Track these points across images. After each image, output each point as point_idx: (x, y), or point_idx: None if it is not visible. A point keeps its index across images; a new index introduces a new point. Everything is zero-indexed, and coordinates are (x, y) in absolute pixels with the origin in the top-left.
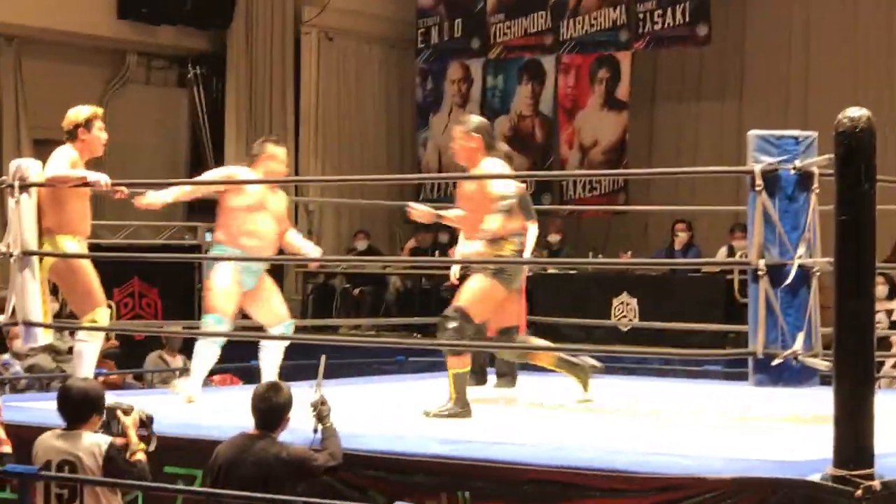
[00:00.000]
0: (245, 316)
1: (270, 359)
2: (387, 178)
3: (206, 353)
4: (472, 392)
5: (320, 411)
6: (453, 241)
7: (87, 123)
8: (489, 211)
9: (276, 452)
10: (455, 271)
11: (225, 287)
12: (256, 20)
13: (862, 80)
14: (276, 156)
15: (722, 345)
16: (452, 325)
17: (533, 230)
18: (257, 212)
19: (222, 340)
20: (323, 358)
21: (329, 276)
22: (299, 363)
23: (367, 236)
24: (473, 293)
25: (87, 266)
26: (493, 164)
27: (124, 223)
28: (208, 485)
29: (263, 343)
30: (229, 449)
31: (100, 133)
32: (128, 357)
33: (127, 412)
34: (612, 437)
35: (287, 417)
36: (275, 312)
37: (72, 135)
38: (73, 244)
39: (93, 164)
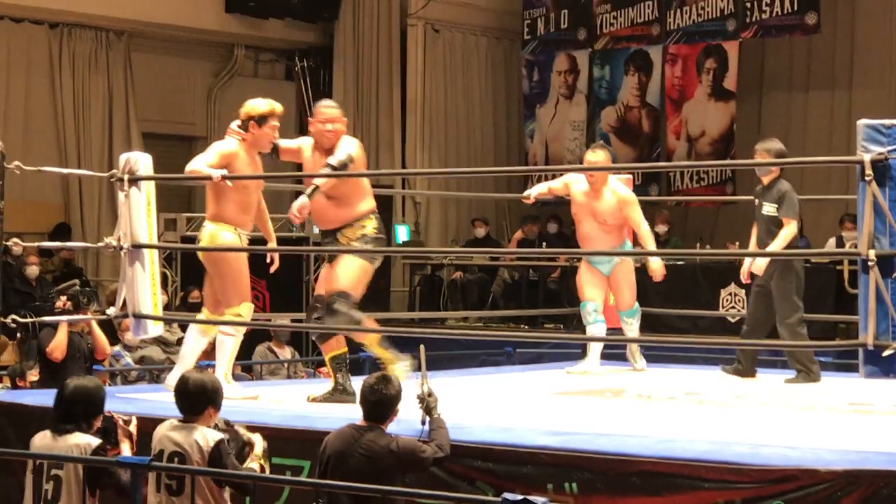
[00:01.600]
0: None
1: None
2: (494, 171)
3: None
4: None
5: (428, 403)
6: (563, 231)
7: (261, 119)
8: None
9: (385, 444)
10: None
11: None
12: (363, 13)
13: None
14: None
15: (832, 336)
16: (342, 308)
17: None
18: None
19: None
20: (422, 349)
21: (436, 268)
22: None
23: (485, 224)
24: (351, 276)
25: (241, 260)
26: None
27: None
28: (317, 476)
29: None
30: (338, 440)
31: (270, 131)
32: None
33: (127, 422)
34: (721, 428)
35: (396, 409)
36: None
37: (243, 125)
38: (230, 234)
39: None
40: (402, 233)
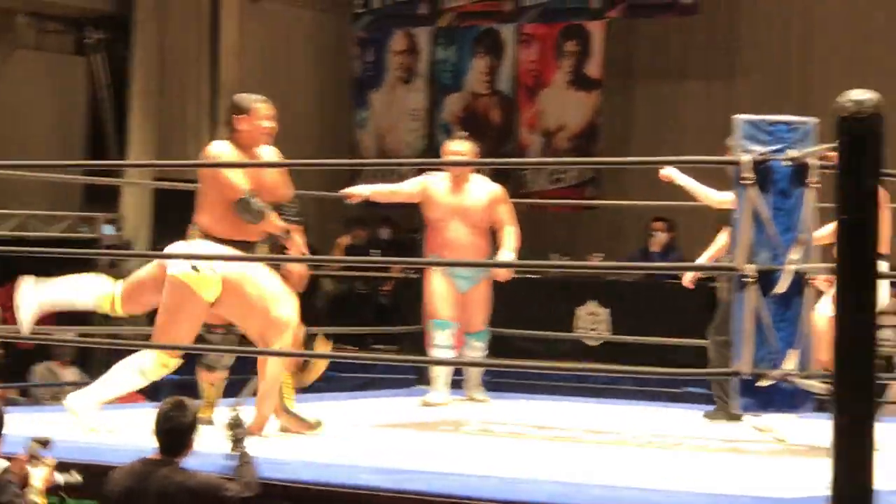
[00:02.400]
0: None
1: None
2: (313, 164)
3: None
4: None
5: (235, 433)
6: (396, 237)
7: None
8: None
9: (181, 481)
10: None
11: None
12: None
13: (871, 60)
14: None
15: (705, 363)
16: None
17: None
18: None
19: None
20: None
21: None
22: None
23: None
24: None
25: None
26: None
27: (9, 212)
28: None
29: None
30: (127, 477)
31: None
32: (10, 369)
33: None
34: (574, 468)
35: (192, 440)
36: None
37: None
38: None
39: None
40: None
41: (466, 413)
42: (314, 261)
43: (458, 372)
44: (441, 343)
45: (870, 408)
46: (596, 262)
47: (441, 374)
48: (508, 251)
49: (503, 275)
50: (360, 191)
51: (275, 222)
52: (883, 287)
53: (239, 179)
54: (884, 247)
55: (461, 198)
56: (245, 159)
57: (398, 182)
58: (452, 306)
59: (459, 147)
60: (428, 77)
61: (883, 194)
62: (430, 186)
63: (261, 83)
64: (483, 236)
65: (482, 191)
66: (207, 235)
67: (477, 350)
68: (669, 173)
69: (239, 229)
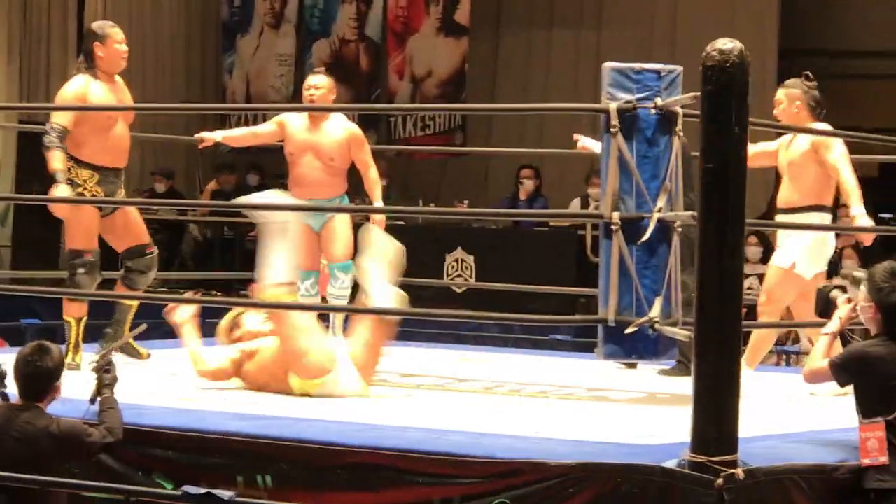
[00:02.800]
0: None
1: None
2: (188, 108)
3: None
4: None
5: (101, 378)
6: (263, 183)
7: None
8: None
9: (43, 426)
10: None
11: None
12: None
13: (738, 8)
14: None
15: (572, 311)
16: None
17: None
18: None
19: None
20: (142, 327)
21: None
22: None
23: (166, 179)
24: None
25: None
26: None
27: None
28: None
29: None
30: None
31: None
32: None
33: None
34: (440, 416)
35: (57, 385)
36: None
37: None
38: None
39: None
40: None
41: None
42: (182, 205)
43: (325, 318)
44: (303, 294)
45: (733, 355)
46: (463, 209)
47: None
48: (378, 201)
49: (379, 223)
50: (212, 135)
51: (52, 163)
52: (829, 239)
53: (59, 116)
54: (820, 198)
55: (317, 135)
56: (106, 86)
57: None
58: (311, 254)
59: (317, 80)
60: (296, 22)
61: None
62: (287, 123)
63: (127, 27)
64: (338, 175)
65: (339, 129)
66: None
67: (338, 282)
68: (586, 144)
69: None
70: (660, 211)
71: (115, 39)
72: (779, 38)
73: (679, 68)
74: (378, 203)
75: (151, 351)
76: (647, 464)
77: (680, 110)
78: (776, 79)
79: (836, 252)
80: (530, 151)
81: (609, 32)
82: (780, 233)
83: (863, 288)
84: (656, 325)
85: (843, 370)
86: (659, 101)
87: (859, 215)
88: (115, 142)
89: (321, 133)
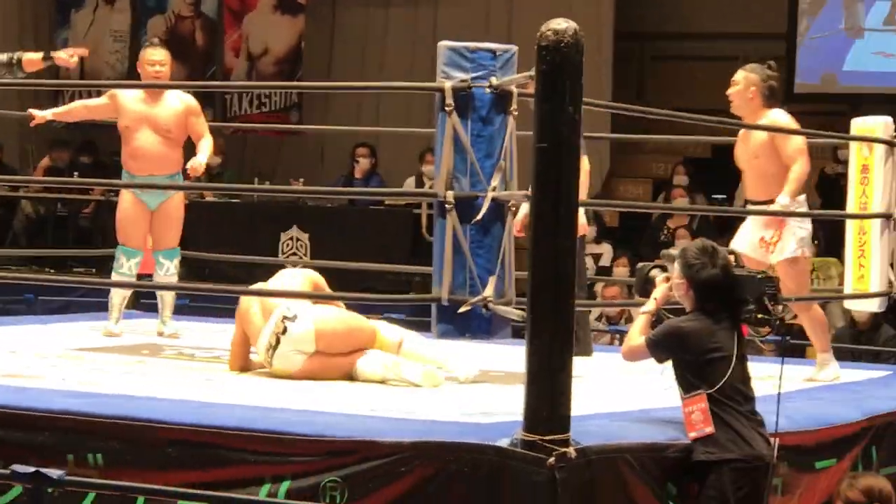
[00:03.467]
0: None
1: None
2: (19, 84)
3: None
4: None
5: None
6: (97, 159)
7: None
8: None
9: None
10: None
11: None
12: None
13: None
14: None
15: (407, 289)
16: None
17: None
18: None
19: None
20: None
21: None
22: None
23: None
24: None
25: None
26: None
27: None
28: None
29: None
30: None
31: None
32: None
33: None
34: (268, 394)
35: None
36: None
37: None
38: None
39: None
40: None
41: (165, 339)
42: (13, 181)
43: (152, 296)
44: (124, 272)
45: (565, 334)
46: (298, 187)
47: (117, 303)
48: (203, 155)
49: (199, 169)
50: (43, 113)
51: None
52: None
53: None
54: (753, 193)
55: (154, 107)
56: None
57: None
58: (141, 232)
59: (161, 56)
60: None
61: None
62: (120, 95)
63: None
64: (175, 147)
65: (176, 100)
66: None
67: (163, 269)
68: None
69: None
70: (494, 190)
71: None
72: (615, 19)
73: (514, 48)
74: (202, 156)
75: None
76: (479, 442)
77: (515, 90)
78: (612, 60)
79: (668, 231)
80: (366, 130)
81: (446, 11)
82: (750, 220)
83: (676, 265)
84: (490, 305)
85: (658, 347)
86: (494, 80)
87: (781, 203)
88: None
89: (158, 105)
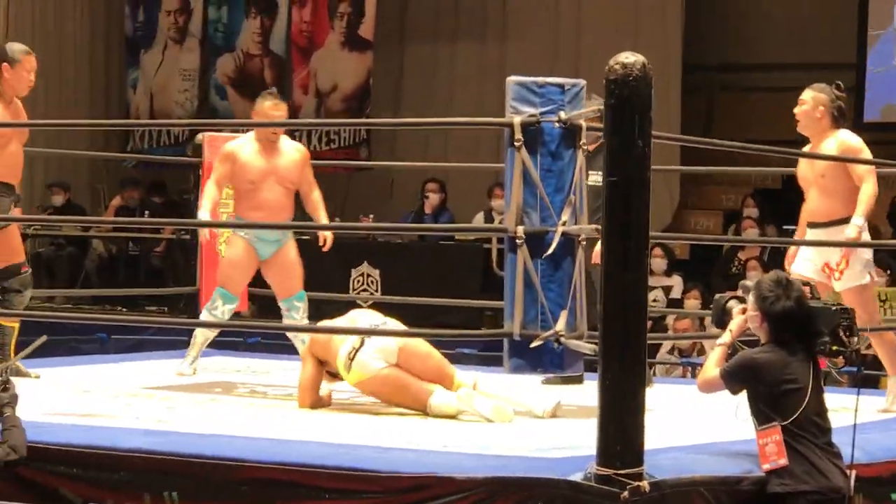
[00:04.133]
0: None
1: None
2: (90, 124)
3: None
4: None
5: (0, 398)
6: (168, 199)
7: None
8: None
9: None
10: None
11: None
12: None
13: (642, 22)
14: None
15: (478, 324)
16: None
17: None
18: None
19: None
20: (42, 339)
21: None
22: None
23: (64, 190)
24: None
25: None
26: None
27: None
28: None
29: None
30: None
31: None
32: None
33: None
34: (340, 430)
35: None
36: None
37: None
38: None
39: None
40: None
41: (237, 376)
42: (86, 222)
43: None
44: (217, 314)
45: (638, 367)
46: (368, 224)
47: (199, 342)
48: (325, 219)
49: (328, 240)
50: (201, 214)
51: None
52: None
53: None
54: (817, 214)
55: (276, 159)
56: (4, 109)
57: (170, 142)
58: (245, 280)
59: (278, 111)
60: (200, 37)
61: None
62: (237, 153)
63: (31, 40)
64: (292, 197)
65: (293, 150)
66: None
67: (297, 310)
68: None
69: None
70: (564, 224)
71: (26, 67)
72: (683, 51)
73: (582, 82)
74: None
75: (42, 370)
76: (553, 477)
77: (584, 124)
78: (680, 92)
79: (740, 263)
80: (435, 165)
81: (513, 46)
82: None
83: (751, 297)
84: (561, 339)
85: (732, 378)
86: (563, 114)
87: (853, 227)
88: (7, 159)
89: (279, 157)
